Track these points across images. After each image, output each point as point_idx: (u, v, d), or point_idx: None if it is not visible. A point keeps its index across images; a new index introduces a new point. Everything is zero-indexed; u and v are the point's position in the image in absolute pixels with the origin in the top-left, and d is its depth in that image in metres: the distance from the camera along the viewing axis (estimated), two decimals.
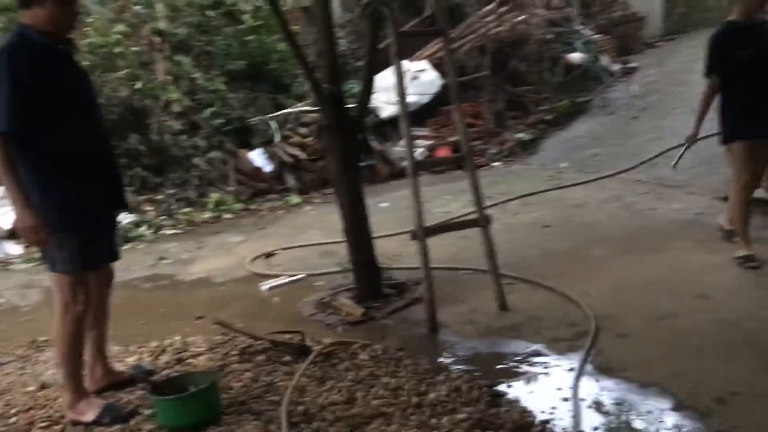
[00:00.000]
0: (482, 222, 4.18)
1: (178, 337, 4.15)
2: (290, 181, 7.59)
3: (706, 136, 7.25)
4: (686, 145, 5.09)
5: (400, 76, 4.04)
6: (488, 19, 9.55)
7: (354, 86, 8.91)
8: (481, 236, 4.20)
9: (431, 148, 8.46)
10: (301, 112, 8.08)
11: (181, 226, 6.86)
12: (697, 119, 4.80)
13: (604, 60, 9.64)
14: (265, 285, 5.01)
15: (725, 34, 4.49)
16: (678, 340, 3.65)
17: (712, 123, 7.40)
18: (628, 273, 4.63)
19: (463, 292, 4.53)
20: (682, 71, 9.71)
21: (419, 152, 8.45)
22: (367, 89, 4.45)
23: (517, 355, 3.66)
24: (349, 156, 4.42)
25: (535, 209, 6.31)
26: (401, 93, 4.05)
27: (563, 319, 4.00)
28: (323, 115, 4.39)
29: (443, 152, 8.30)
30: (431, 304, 4.02)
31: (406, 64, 8.67)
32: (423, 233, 4.00)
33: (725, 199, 5.94)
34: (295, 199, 7.33)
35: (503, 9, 9.82)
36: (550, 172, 7.56)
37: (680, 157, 5.19)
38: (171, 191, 7.24)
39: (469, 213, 5.74)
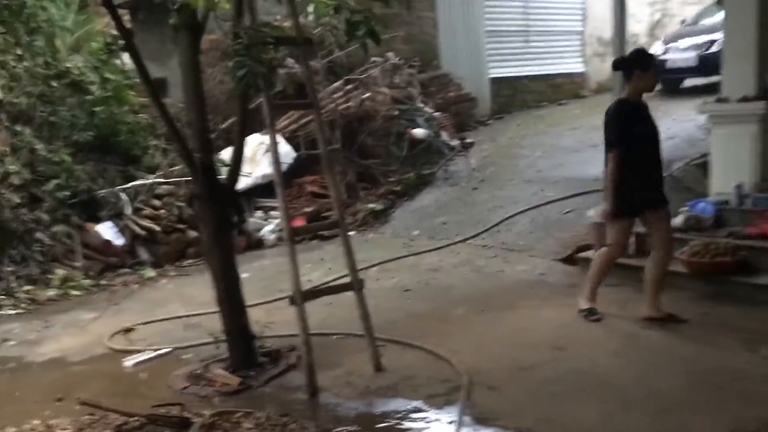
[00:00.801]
0: (356, 285, 4.33)
1: (38, 421, 3.86)
2: (143, 254, 7.34)
3: (543, 204, 8.00)
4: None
5: (274, 146, 4.17)
6: (336, 95, 9.96)
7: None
8: (356, 299, 4.34)
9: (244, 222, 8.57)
10: (154, 183, 7.90)
11: (24, 306, 6.39)
12: (612, 194, 4.76)
13: (445, 136, 10.33)
14: (130, 361, 4.79)
15: (625, 110, 4.74)
16: (542, 388, 3.97)
17: (545, 192, 8.24)
18: (488, 330, 4.96)
19: (337, 356, 4.61)
20: (512, 146, 10.63)
21: (276, 223, 8.51)
22: (238, 157, 4.52)
23: (398, 412, 3.80)
24: (221, 224, 4.44)
25: (394, 275, 6.57)
26: (276, 161, 4.18)
27: (436, 376, 4.21)
28: (195, 184, 4.39)
29: (298, 223, 8.40)
30: (311, 368, 4.07)
31: (259, 137, 8.80)
32: (301, 298, 4.08)
33: (567, 260, 6.57)
34: (149, 272, 7.08)
35: (349, 87, 10.30)
36: (403, 240, 7.90)
37: None
38: (10, 268, 6.74)
39: (337, 279, 5.91)
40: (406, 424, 3.65)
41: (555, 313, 5.22)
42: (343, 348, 4.78)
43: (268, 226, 8.68)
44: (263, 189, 9.02)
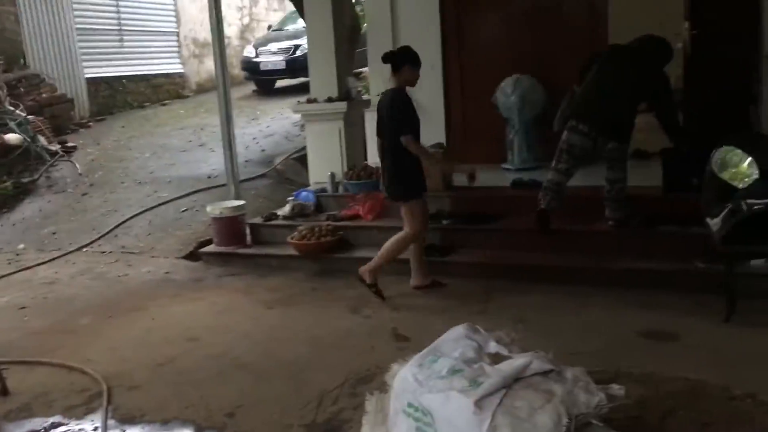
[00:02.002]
0: None
1: None
2: None
3: (159, 204, 8.07)
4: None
5: None
6: None
7: None
8: None
9: None
10: None
11: None
12: (427, 155, 5.12)
13: (42, 140, 9.64)
14: None
15: (407, 97, 5.01)
16: (182, 378, 4.16)
17: (159, 193, 8.31)
18: (120, 334, 4.94)
19: None
20: (119, 148, 10.41)
21: None
22: None
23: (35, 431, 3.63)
24: None
25: (3, 294, 6.03)
26: None
27: (72, 388, 4.09)
28: None
29: None
30: None
31: None
32: None
33: (189, 256, 6.78)
34: None
35: None
36: (8, 255, 7.24)
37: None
38: None
39: None
40: None
41: (185, 308, 5.43)
42: None
43: None
44: None
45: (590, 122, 5.27)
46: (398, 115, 4.95)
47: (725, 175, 2.48)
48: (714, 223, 2.54)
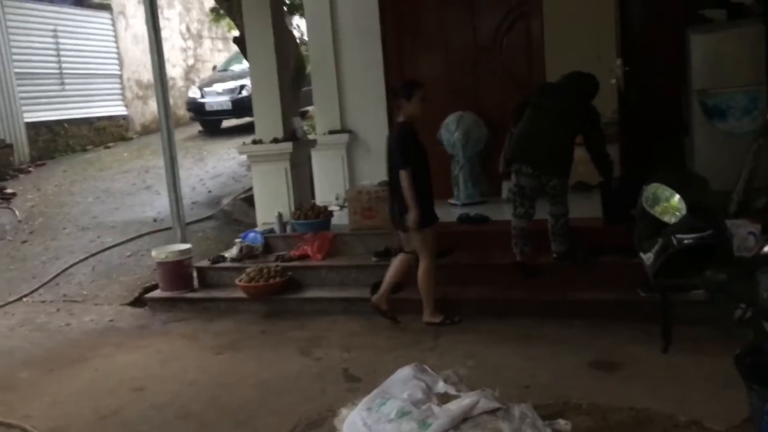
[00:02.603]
0: None
1: None
2: None
3: (103, 250, 7.90)
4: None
5: None
6: None
7: None
8: None
9: None
10: None
11: None
12: (412, 198, 5.01)
13: None
14: None
15: (411, 131, 5.11)
16: (126, 430, 4.03)
17: (103, 239, 8.13)
18: (62, 387, 4.77)
19: None
20: (61, 194, 10.18)
21: None
22: None
23: None
24: None
25: None
26: None
27: None
28: None
29: None
30: None
31: None
32: None
33: (134, 303, 6.64)
34: None
35: None
36: None
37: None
38: None
39: None
40: None
41: (130, 357, 5.29)
42: None
43: None
44: None
45: (531, 162, 5.40)
46: (402, 148, 5.05)
47: (656, 210, 2.56)
48: (647, 257, 2.62)
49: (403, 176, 5.00)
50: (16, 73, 12.11)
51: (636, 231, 2.73)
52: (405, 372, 2.90)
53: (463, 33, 7.48)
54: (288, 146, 6.88)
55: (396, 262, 5.44)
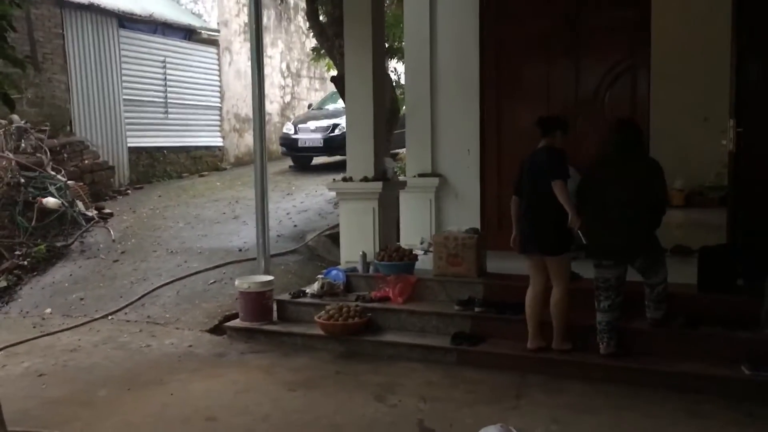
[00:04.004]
0: None
1: None
2: None
3: (188, 275, 8.02)
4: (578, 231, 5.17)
5: None
6: None
7: None
8: None
9: None
10: None
11: None
12: (571, 206, 5.01)
13: (80, 205, 9.76)
14: None
15: (563, 152, 5.17)
16: None
17: (189, 264, 8.27)
18: (136, 409, 4.78)
19: None
20: (154, 217, 10.48)
21: None
22: None
23: None
24: None
25: (24, 359, 5.94)
26: None
27: None
28: None
29: None
30: None
31: None
32: None
33: (214, 330, 6.66)
34: None
35: None
36: (33, 319, 7.20)
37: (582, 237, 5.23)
38: None
39: None
40: None
41: (205, 384, 5.26)
42: None
43: None
44: None
45: (610, 255, 5.09)
46: (556, 162, 5.09)
47: None
48: None
49: (558, 187, 5.00)
50: (125, 100, 12.72)
51: (765, 306, 2.46)
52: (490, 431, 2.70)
53: (565, 85, 7.31)
54: (378, 186, 6.84)
55: (529, 301, 5.33)
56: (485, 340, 5.67)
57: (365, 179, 6.88)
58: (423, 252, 7.25)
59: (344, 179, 7.13)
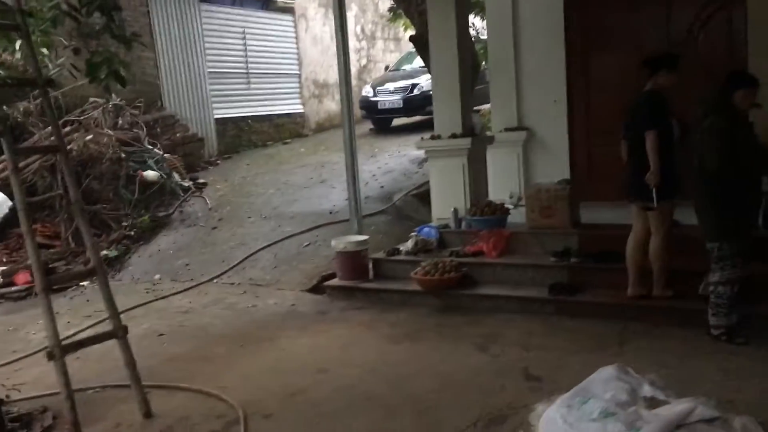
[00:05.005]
0: (120, 333, 4.20)
1: None
2: None
3: (283, 239, 8.30)
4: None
5: (23, 200, 3.91)
6: (54, 138, 9.31)
7: None
8: (120, 347, 4.20)
9: (8, 274, 7.78)
10: None
11: None
12: (655, 161, 4.91)
13: (177, 177, 10.20)
14: None
15: (661, 98, 5.01)
16: (313, 409, 4.21)
17: (283, 228, 8.56)
18: (252, 363, 5.07)
19: (100, 410, 4.37)
20: (245, 185, 10.85)
21: None
22: None
23: None
24: None
25: (143, 321, 6.35)
26: (23, 209, 3.91)
27: (210, 413, 4.22)
28: None
29: (23, 277, 7.69)
30: (76, 425, 3.84)
31: None
32: (60, 352, 3.84)
33: (313, 290, 6.91)
34: None
35: (68, 129, 9.71)
36: (145, 285, 7.65)
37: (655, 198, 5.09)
38: None
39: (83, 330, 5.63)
40: None
41: (312, 340, 5.52)
42: (105, 401, 4.55)
43: None
44: None
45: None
46: (650, 111, 4.98)
47: None
48: None
49: (649, 137, 4.90)
50: (209, 73, 13.10)
51: None
52: (607, 372, 2.78)
53: (655, 28, 7.07)
54: (466, 142, 6.88)
55: (630, 248, 5.29)
56: (583, 290, 5.70)
57: (453, 136, 6.93)
58: (513, 206, 7.26)
59: (432, 137, 7.20)
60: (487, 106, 10.22)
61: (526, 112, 7.80)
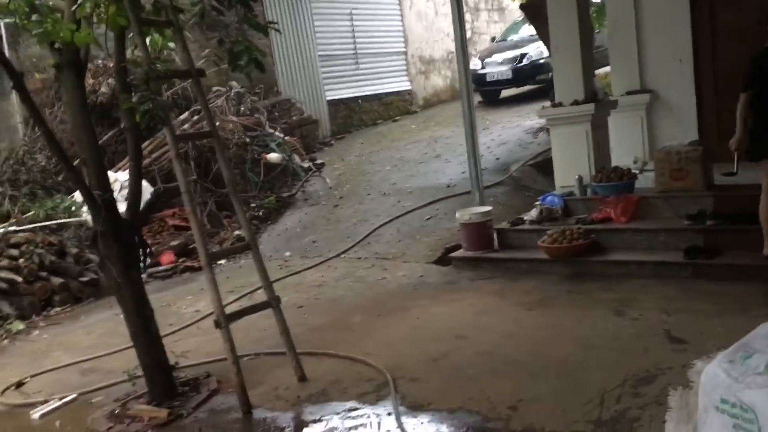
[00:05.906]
0: (274, 302, 4.50)
1: None
2: (6, 308, 6.86)
3: (404, 213, 8.48)
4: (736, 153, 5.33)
5: (182, 176, 4.25)
6: (185, 127, 9.89)
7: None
8: (275, 315, 4.52)
9: (154, 255, 8.38)
10: (7, 232, 7.41)
11: None
12: (741, 124, 5.15)
13: (297, 158, 10.60)
14: (36, 413, 4.57)
15: (763, 57, 5.07)
16: (457, 372, 4.37)
17: (403, 203, 8.75)
18: (391, 331, 5.29)
19: (257, 375, 4.69)
20: (362, 163, 11.13)
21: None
22: (136, 193, 4.52)
23: (337, 413, 4.02)
24: (130, 260, 4.42)
25: (282, 295, 6.54)
26: (188, 191, 4.25)
27: (359, 377, 4.47)
28: (98, 223, 4.33)
29: (167, 257, 8.28)
30: (242, 387, 4.17)
31: (112, 175, 8.54)
32: (225, 320, 4.18)
33: (439, 261, 7.07)
34: (18, 325, 6.61)
35: (196, 117, 10.27)
36: (277, 261, 8.05)
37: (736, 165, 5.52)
38: None
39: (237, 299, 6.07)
40: (349, 422, 3.88)
41: (445, 309, 5.68)
42: (260, 367, 4.89)
43: None
44: None
45: None
46: (746, 70, 5.10)
47: None
48: None
49: (741, 98, 5.03)
50: (319, 56, 13.43)
51: None
52: None
53: None
54: (589, 108, 6.79)
55: (762, 208, 5.17)
56: (720, 253, 5.56)
57: (576, 103, 6.85)
58: (638, 171, 7.12)
59: (554, 105, 7.14)
60: (602, 70, 9.99)
61: (649, 73, 7.59)
